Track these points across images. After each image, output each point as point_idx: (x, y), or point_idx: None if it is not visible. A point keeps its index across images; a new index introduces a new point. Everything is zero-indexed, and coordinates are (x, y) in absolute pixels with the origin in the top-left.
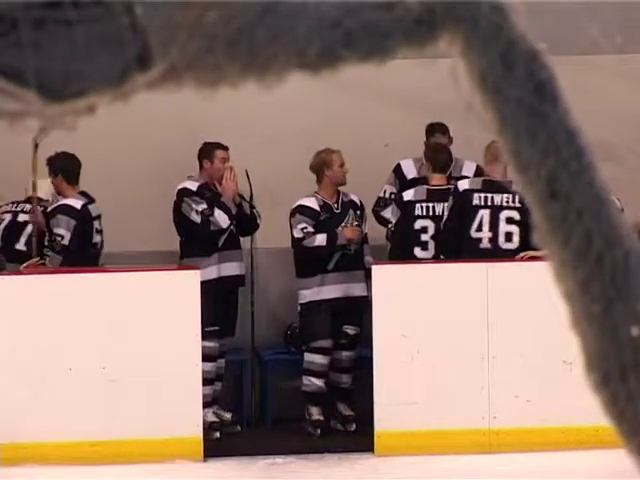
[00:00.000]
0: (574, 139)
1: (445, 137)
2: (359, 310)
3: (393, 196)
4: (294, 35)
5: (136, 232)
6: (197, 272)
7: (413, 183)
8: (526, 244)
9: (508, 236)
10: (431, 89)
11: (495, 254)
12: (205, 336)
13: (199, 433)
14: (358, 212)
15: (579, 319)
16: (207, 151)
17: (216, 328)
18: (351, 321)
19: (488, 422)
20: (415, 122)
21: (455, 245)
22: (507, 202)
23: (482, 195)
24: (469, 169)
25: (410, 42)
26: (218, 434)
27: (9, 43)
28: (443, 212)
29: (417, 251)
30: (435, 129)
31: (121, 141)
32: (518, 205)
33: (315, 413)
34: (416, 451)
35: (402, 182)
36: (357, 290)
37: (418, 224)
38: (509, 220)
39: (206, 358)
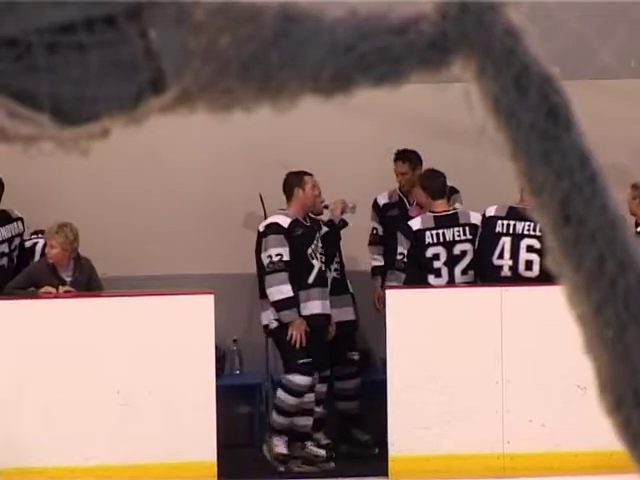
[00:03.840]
0: (587, 163)
1: (406, 165)
2: (353, 334)
3: (375, 231)
4: (308, 59)
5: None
6: (212, 297)
7: (385, 209)
8: (546, 272)
9: (528, 264)
10: (444, 113)
11: (515, 282)
12: (300, 370)
13: (213, 457)
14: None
15: (593, 343)
16: (297, 180)
17: (309, 360)
18: (351, 347)
19: (502, 446)
20: (428, 146)
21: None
22: (528, 230)
23: (505, 222)
24: None
25: (423, 66)
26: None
27: (23, 67)
28: (453, 237)
29: (431, 279)
30: (397, 157)
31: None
32: (538, 234)
33: (322, 438)
34: (430, 475)
35: (378, 212)
36: (348, 314)
37: (430, 252)
38: (529, 248)
39: (295, 393)
